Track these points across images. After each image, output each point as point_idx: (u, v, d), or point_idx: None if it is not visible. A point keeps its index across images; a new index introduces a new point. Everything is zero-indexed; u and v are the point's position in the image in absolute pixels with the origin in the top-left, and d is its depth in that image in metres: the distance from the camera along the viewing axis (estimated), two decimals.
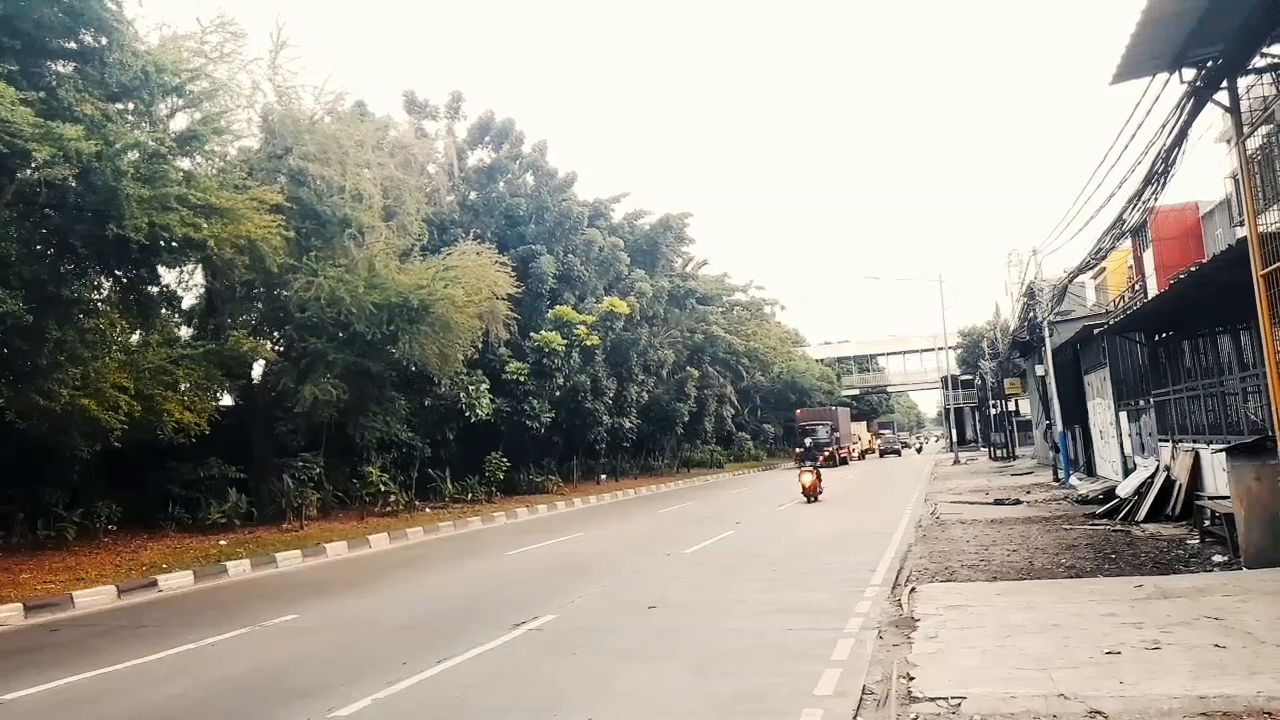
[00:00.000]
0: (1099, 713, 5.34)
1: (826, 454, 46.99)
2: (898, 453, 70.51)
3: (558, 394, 30.55)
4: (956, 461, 45.90)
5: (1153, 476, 15.49)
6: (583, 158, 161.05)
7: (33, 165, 12.46)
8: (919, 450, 79.36)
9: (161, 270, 17.87)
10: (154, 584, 13.49)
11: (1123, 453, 20.61)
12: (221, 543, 17.21)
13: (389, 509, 23.11)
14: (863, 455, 64.79)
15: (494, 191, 33.52)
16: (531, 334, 29.94)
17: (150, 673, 8.11)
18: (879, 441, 73.83)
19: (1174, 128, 10.11)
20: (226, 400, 21.78)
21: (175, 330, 20.75)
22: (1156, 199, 12.54)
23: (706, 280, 48.21)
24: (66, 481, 16.93)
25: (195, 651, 8.88)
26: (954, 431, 62.08)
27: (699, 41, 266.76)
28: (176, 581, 13.76)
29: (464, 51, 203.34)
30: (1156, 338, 16.59)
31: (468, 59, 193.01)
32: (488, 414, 27.04)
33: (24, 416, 14.45)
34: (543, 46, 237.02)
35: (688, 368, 43.73)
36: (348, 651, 8.66)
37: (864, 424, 76.52)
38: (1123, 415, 20.45)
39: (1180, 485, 14.15)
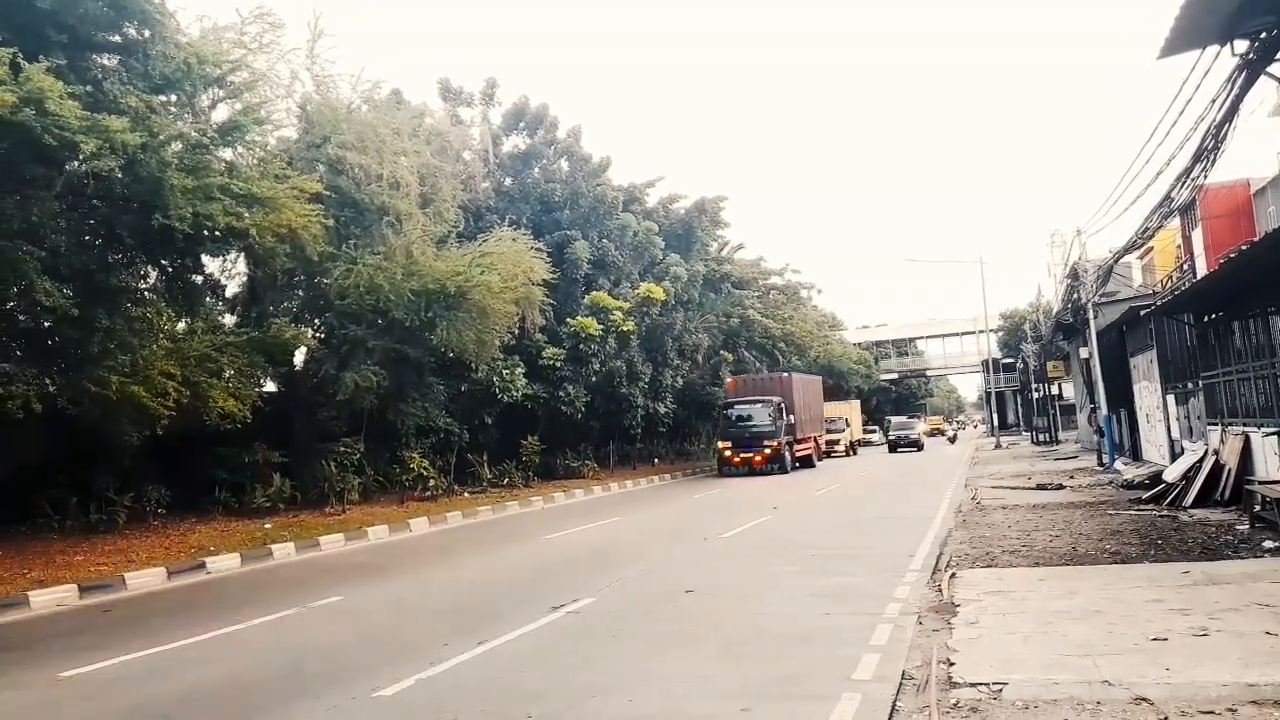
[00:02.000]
0: (1144, 699, 5.26)
1: (767, 451, 32.02)
2: (918, 445, 47.67)
3: (593, 379, 30.64)
4: (998, 446, 45.30)
5: (1201, 460, 15.17)
6: (617, 142, 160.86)
7: (80, 157, 12.72)
8: (953, 439, 60.22)
9: (205, 259, 18.21)
10: (202, 566, 13.81)
11: (1170, 436, 20.20)
12: (266, 526, 17.56)
13: (428, 493, 23.40)
14: (851, 449, 47.26)
15: (529, 177, 33.58)
16: (567, 320, 30.04)
17: (200, 652, 8.32)
18: (893, 431, 51.35)
19: (1225, 102, 9.86)
20: (270, 387, 22.13)
21: (219, 318, 21.06)
22: (1206, 176, 12.24)
23: (742, 264, 47.87)
24: (117, 467, 17.34)
25: (243, 632, 9.09)
26: (995, 416, 61.30)
27: (733, 23, 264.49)
28: (224, 564, 14.08)
29: (497, 36, 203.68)
30: (1205, 318, 16.20)
31: (501, 44, 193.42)
32: (521, 394, 27.22)
33: (75, 403, 14.80)
34: (577, 29, 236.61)
35: (723, 352, 43.57)
36: (390, 633, 8.81)
37: (852, 403, 55.80)
38: (1170, 398, 20.03)
39: (1229, 469, 13.84)
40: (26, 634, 9.89)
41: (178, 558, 14.26)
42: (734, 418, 33.33)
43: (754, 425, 32.72)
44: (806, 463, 35.87)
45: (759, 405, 33.18)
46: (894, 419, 56.95)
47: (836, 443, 44.36)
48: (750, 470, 31.96)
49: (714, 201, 41.20)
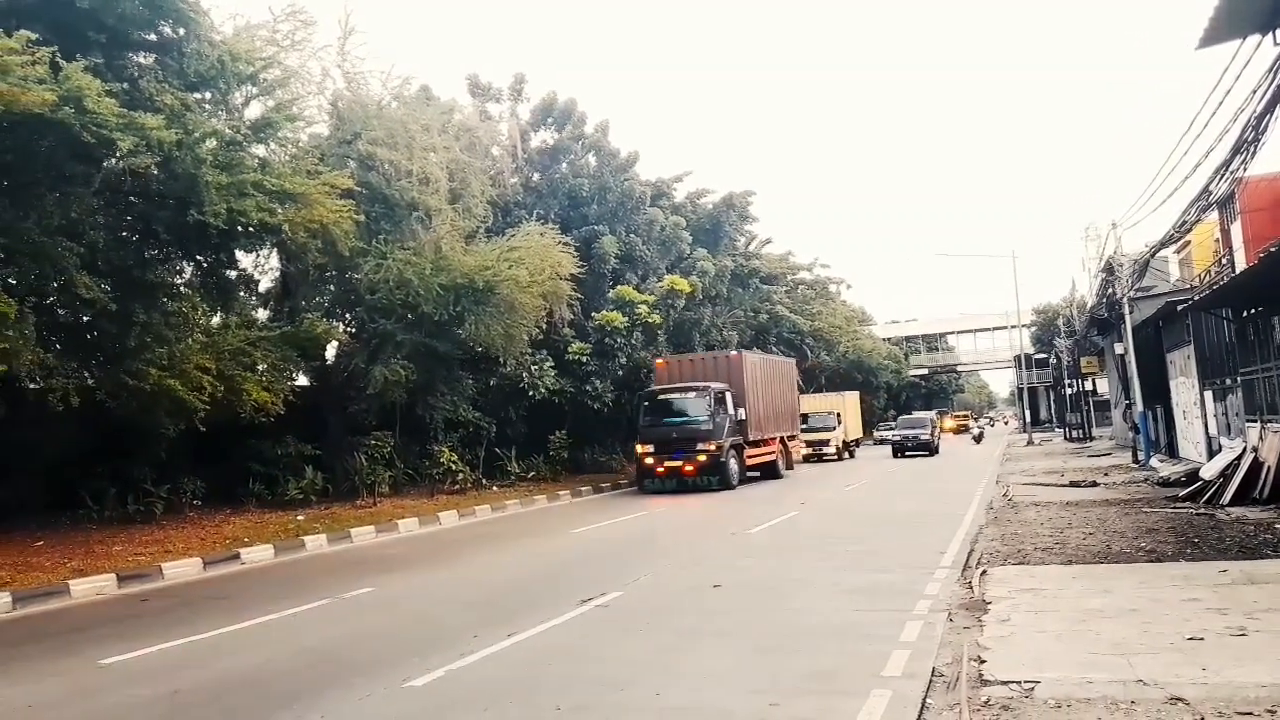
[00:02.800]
0: (1180, 699, 5.19)
1: (701, 458, 23.23)
2: (929, 448, 37.42)
3: (619, 373, 30.67)
4: (1030, 443, 44.76)
5: (1239, 458, 14.89)
6: (645, 138, 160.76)
7: (118, 154, 12.96)
8: (978, 438, 50.25)
9: (239, 254, 18.47)
10: (236, 557, 14.03)
11: (1207, 433, 19.86)
12: (299, 518, 17.80)
13: (457, 487, 23.58)
14: (846, 452, 38.59)
15: (557, 173, 33.66)
16: (594, 314, 30.08)
17: (235, 641, 8.47)
18: (897, 430, 40.30)
19: (1266, 93, 9.66)
20: (302, 381, 22.43)
21: (253, 313, 21.39)
22: (1246, 168, 12.02)
23: (770, 259, 47.66)
24: (154, 459, 17.67)
25: (277, 622, 9.22)
26: (1027, 412, 60.65)
27: (762, 21, 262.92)
28: (258, 555, 14.29)
29: (525, 38, 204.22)
30: (1244, 314, 15.90)
31: (529, 45, 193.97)
32: (550, 391, 27.30)
33: (114, 396, 15.11)
34: (606, 29, 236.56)
35: (753, 348, 43.44)
36: (421, 624, 8.90)
37: (846, 395, 44.58)
38: (1207, 394, 19.69)
39: (1269, 467, 13.58)
40: (67, 622, 10.11)
41: (213, 549, 14.49)
42: (658, 412, 24.43)
43: (683, 422, 23.71)
44: (769, 472, 27.25)
45: (691, 395, 24.28)
46: (904, 416, 48.70)
47: (825, 444, 36.49)
48: (679, 484, 23.53)
49: (742, 196, 41.03)
